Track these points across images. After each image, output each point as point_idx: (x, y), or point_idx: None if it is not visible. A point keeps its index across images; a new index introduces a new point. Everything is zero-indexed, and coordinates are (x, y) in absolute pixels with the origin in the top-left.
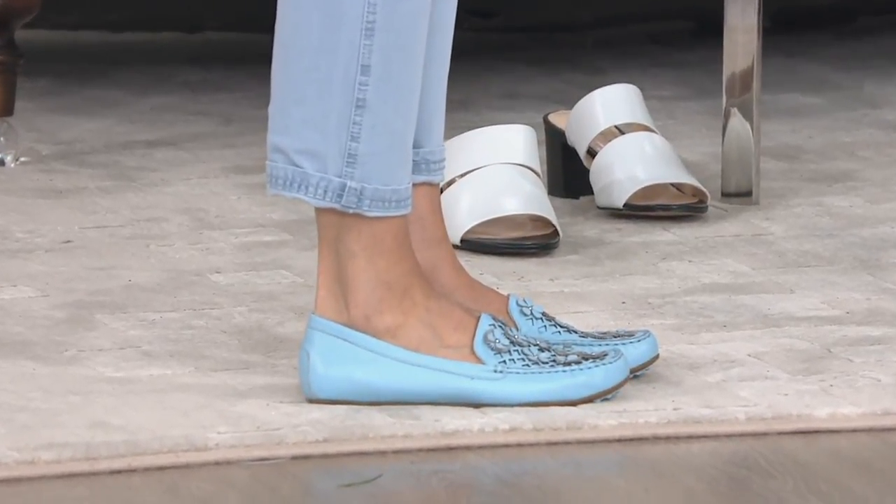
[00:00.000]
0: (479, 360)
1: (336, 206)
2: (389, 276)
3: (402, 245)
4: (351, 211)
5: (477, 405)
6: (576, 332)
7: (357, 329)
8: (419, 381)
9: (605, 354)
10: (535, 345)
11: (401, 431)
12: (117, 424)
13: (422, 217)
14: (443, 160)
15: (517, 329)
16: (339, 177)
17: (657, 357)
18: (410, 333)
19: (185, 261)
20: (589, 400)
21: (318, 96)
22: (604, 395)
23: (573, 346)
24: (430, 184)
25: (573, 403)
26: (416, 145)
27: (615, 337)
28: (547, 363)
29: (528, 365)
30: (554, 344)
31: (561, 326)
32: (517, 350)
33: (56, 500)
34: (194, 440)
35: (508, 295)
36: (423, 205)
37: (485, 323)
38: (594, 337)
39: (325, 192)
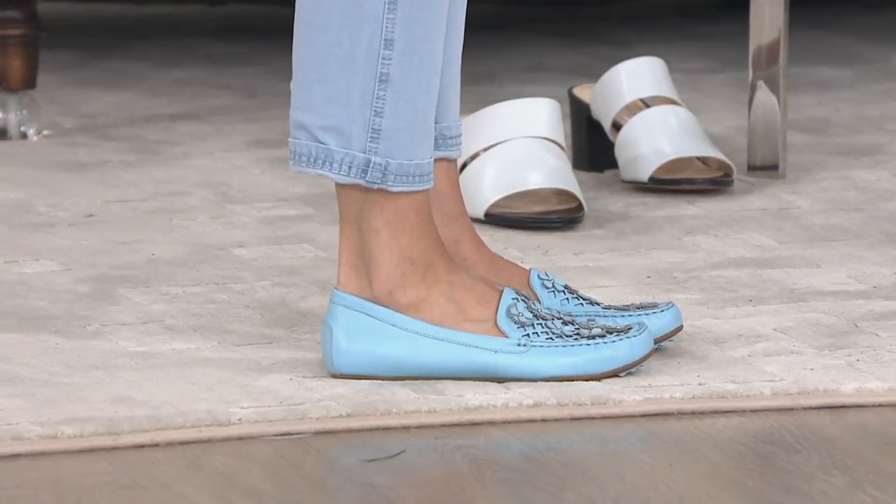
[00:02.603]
0: (502, 334)
1: (361, 181)
2: (412, 251)
3: (424, 220)
4: (375, 187)
5: (501, 380)
6: (598, 304)
7: (380, 304)
8: (442, 355)
9: (630, 328)
10: (558, 318)
11: (424, 406)
12: (140, 399)
13: (441, 192)
14: (459, 135)
15: (539, 303)
16: (364, 152)
17: (681, 328)
18: (434, 308)
19: (207, 235)
20: (614, 374)
21: (341, 72)
22: (628, 369)
23: (596, 319)
24: (447, 159)
25: (597, 378)
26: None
27: (638, 308)
28: (571, 336)
29: (551, 338)
30: (577, 317)
31: (583, 299)
32: (541, 324)
33: (78, 474)
34: (217, 415)
35: (530, 269)
36: (442, 180)
37: (508, 296)
38: (617, 309)
39: (350, 168)
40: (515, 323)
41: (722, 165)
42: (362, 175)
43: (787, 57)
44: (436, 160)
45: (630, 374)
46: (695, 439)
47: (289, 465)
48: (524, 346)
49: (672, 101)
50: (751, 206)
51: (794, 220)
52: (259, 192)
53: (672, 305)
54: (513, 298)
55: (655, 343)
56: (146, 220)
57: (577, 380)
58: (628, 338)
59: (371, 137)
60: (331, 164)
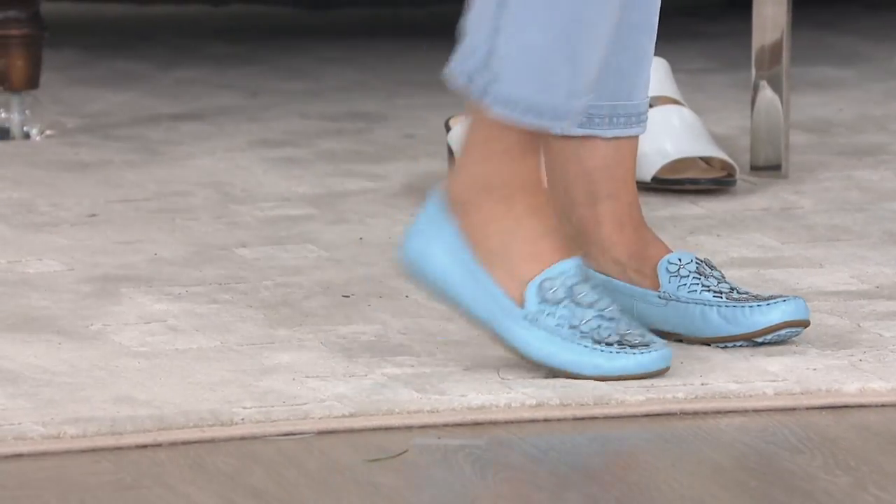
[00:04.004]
0: (521, 301)
1: (470, 89)
2: (492, 179)
3: (515, 157)
4: (477, 100)
5: (497, 339)
6: (721, 293)
7: (451, 212)
8: (467, 290)
9: (652, 343)
10: (599, 315)
11: (427, 406)
12: (143, 399)
13: (588, 172)
14: (611, 116)
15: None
16: (479, 64)
17: (806, 323)
18: (488, 242)
19: (210, 235)
20: (600, 379)
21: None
22: (620, 378)
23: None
24: (599, 138)
25: (579, 377)
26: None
27: (755, 298)
28: (586, 334)
29: (561, 326)
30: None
31: (705, 286)
32: (567, 308)
33: (81, 474)
34: (220, 415)
35: (667, 254)
36: (589, 159)
37: (556, 268)
38: (733, 299)
39: (468, 74)
40: (539, 297)
41: (725, 165)
42: (470, 82)
43: (789, 57)
44: (585, 137)
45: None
46: (697, 439)
47: (292, 464)
48: (530, 322)
49: (675, 102)
50: (754, 206)
51: (796, 220)
52: (262, 192)
53: (796, 298)
54: (560, 272)
55: (766, 335)
56: (149, 220)
57: (561, 374)
58: (634, 353)
59: (488, 53)
60: (458, 58)
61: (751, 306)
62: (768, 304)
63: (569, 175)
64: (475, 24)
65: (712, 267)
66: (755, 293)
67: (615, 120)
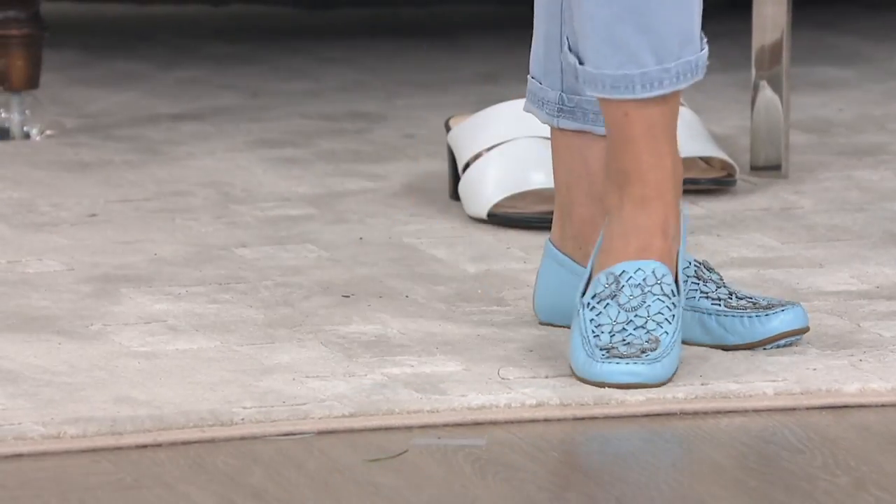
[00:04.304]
0: (587, 288)
1: (576, 78)
2: (610, 166)
3: (618, 141)
4: (582, 86)
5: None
6: (720, 300)
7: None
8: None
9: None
10: (631, 322)
11: (427, 406)
12: (143, 399)
13: (591, 173)
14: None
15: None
16: (571, 50)
17: (805, 330)
18: (608, 227)
19: (210, 235)
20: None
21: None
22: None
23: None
24: (592, 133)
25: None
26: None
27: (754, 306)
28: (604, 338)
29: (592, 322)
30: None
31: (703, 293)
32: (603, 308)
33: (81, 474)
34: (220, 415)
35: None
36: (594, 161)
37: (620, 268)
38: (731, 307)
39: (568, 62)
40: (594, 291)
41: (725, 165)
42: (571, 68)
43: (789, 57)
44: (571, 133)
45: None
46: (697, 439)
47: (292, 464)
48: (576, 312)
49: None
50: (754, 206)
51: (796, 220)
52: (262, 192)
53: (796, 305)
54: (623, 270)
55: (769, 346)
56: (149, 220)
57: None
58: (618, 363)
59: (575, 33)
60: (564, 51)
61: (749, 316)
62: (767, 315)
63: (572, 174)
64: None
65: (710, 269)
66: (754, 298)
67: (602, 118)
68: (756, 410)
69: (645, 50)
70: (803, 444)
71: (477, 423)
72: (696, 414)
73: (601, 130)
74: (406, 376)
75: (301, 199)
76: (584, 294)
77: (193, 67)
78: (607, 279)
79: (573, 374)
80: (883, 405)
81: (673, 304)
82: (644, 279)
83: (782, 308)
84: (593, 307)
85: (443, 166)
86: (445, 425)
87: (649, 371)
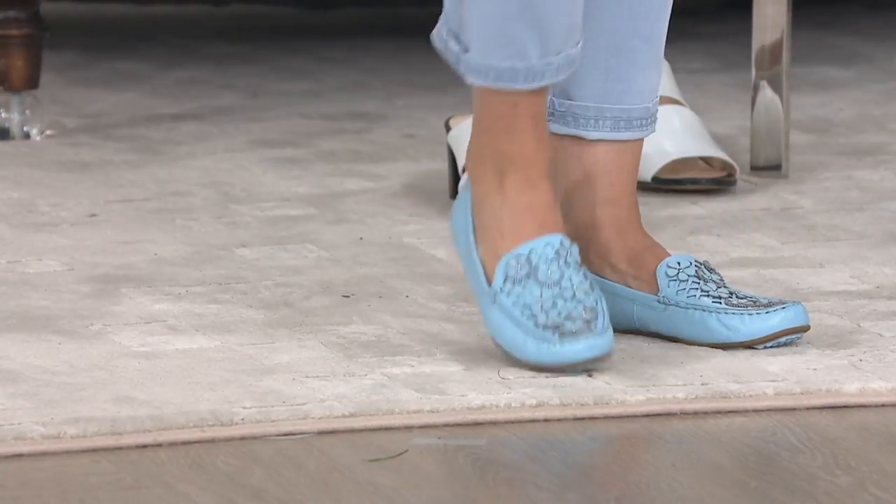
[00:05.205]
0: (492, 276)
1: (447, 57)
2: (485, 151)
3: (507, 126)
4: (460, 72)
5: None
6: (720, 298)
7: (470, 184)
8: (467, 265)
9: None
10: (559, 294)
11: (427, 406)
12: (143, 399)
13: (589, 176)
14: (597, 119)
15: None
16: (452, 35)
17: (806, 328)
18: (481, 216)
19: (210, 235)
20: (535, 367)
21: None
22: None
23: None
24: (583, 138)
25: (519, 361)
26: (564, 96)
27: (754, 304)
28: (538, 316)
29: (515, 306)
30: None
31: (704, 292)
32: (525, 287)
33: (81, 474)
34: (220, 415)
35: (667, 258)
36: (592, 164)
37: (527, 245)
38: (732, 305)
39: (444, 42)
40: (504, 275)
41: (725, 165)
42: (445, 53)
43: (789, 57)
44: (568, 138)
45: (631, 374)
46: (698, 439)
47: (292, 464)
48: (491, 300)
49: (675, 101)
50: (754, 206)
51: (797, 219)
52: (262, 192)
53: (796, 304)
54: (530, 249)
55: (770, 343)
56: (149, 220)
57: (514, 357)
58: (551, 343)
59: (459, 21)
60: (438, 25)
61: (750, 314)
62: (767, 312)
63: (569, 178)
64: (447, 4)
65: (711, 269)
66: (754, 297)
67: (601, 122)
68: (756, 410)
69: (533, 44)
70: (803, 444)
71: (477, 423)
72: (696, 414)
73: (594, 135)
74: (406, 376)
75: (301, 199)
76: (488, 283)
77: (193, 67)
78: (517, 261)
79: (522, 364)
80: (883, 405)
81: (585, 272)
82: (556, 251)
83: (783, 306)
84: (509, 292)
85: (443, 166)
86: (445, 425)
87: (603, 342)
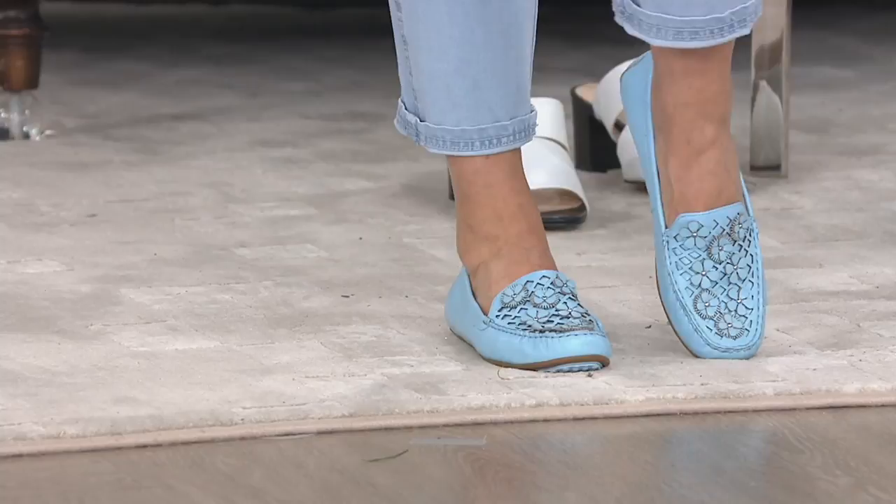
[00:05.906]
0: (487, 310)
1: (412, 136)
2: (471, 220)
3: (481, 191)
4: (420, 143)
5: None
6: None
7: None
8: (466, 318)
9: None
10: (556, 313)
11: (427, 406)
12: (143, 399)
13: (660, 79)
14: (658, 27)
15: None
16: (411, 109)
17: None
18: (479, 275)
19: (210, 235)
20: (529, 367)
21: (393, 35)
22: (558, 364)
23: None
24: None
25: (511, 366)
26: None
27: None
28: (534, 328)
29: (512, 324)
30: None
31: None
32: (523, 310)
33: (81, 474)
34: (220, 415)
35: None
36: (655, 64)
37: (522, 280)
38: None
39: (406, 122)
40: (501, 304)
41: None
42: (404, 128)
43: (789, 57)
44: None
45: (631, 374)
46: (697, 439)
47: (291, 465)
48: (485, 324)
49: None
50: (754, 206)
51: (796, 220)
52: (262, 191)
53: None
54: (525, 281)
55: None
56: (148, 220)
57: (504, 365)
58: (576, 335)
59: (415, 96)
60: (401, 119)
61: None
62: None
63: (655, 71)
64: (400, 68)
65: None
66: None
67: (663, 31)
68: (756, 411)
69: (481, 106)
70: (803, 445)
71: (477, 423)
72: (696, 414)
73: (658, 42)
74: (406, 376)
75: (301, 199)
76: (483, 312)
77: (193, 67)
78: (513, 290)
79: (518, 366)
80: (883, 405)
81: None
82: (553, 282)
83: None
84: (504, 315)
85: (443, 166)
86: (445, 425)
87: (603, 342)
